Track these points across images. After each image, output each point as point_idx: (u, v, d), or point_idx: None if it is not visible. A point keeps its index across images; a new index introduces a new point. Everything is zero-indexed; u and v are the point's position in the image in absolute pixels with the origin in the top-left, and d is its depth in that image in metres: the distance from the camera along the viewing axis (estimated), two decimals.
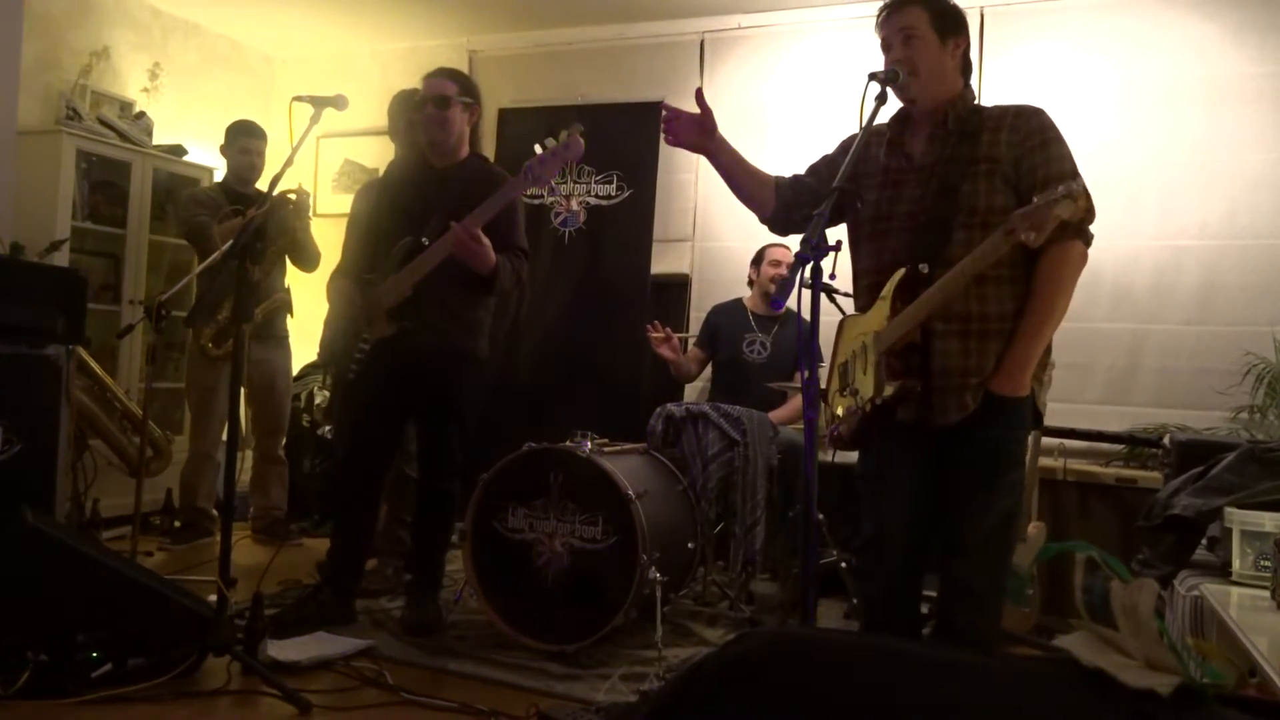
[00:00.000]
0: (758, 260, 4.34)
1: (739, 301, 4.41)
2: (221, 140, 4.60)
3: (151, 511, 4.66)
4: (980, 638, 2.20)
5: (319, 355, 3.57)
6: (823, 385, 2.48)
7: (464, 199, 3.18)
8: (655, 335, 4.22)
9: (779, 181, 2.53)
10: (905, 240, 2.25)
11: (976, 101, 2.35)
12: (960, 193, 2.20)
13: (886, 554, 2.36)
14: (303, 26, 5.63)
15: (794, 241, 4.24)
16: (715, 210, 4.97)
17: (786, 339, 4.18)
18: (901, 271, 2.22)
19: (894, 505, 2.33)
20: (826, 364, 2.56)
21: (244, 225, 2.86)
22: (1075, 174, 2.16)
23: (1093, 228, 2.19)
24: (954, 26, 2.31)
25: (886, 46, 2.31)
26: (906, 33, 2.27)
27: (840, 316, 2.50)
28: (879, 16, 2.34)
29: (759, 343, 4.25)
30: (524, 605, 3.14)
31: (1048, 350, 2.29)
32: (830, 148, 2.53)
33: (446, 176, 3.32)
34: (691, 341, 4.65)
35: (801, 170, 2.55)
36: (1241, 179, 4.09)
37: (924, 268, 2.20)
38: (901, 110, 2.37)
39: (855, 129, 2.26)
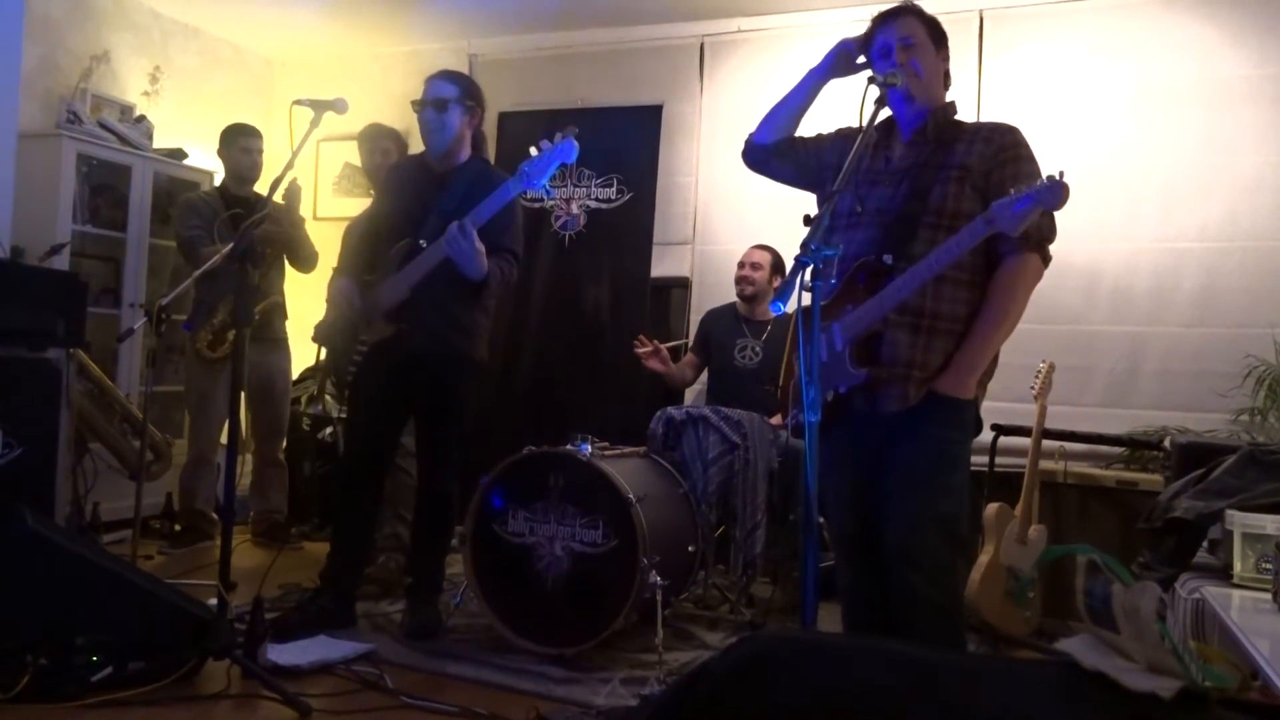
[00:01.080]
0: (741, 263, 4.33)
1: (731, 306, 4.37)
2: (218, 145, 4.61)
3: (151, 515, 4.66)
4: (945, 644, 2.24)
5: (314, 335, 3.53)
6: (782, 379, 2.54)
7: (464, 201, 3.18)
8: (643, 350, 4.18)
9: (794, 137, 2.62)
10: (873, 234, 2.35)
11: (956, 116, 2.45)
12: (930, 194, 2.31)
13: (854, 545, 2.43)
14: (303, 30, 5.64)
15: (779, 244, 4.29)
16: (715, 213, 4.97)
17: (777, 343, 4.16)
18: (864, 261, 2.32)
19: (853, 497, 2.40)
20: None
21: (241, 232, 2.86)
22: None
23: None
24: (943, 38, 2.45)
25: (884, 52, 2.39)
26: (907, 39, 2.37)
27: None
28: (874, 23, 2.44)
29: (750, 348, 4.22)
30: (524, 609, 3.14)
31: (994, 361, 2.37)
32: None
33: (446, 179, 3.32)
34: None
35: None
36: (1241, 181, 4.09)
37: (888, 258, 2.29)
38: (886, 119, 2.45)
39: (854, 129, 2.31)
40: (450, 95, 3.27)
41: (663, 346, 4.20)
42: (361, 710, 2.59)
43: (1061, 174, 2.01)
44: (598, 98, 5.17)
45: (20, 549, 2.60)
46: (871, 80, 2.27)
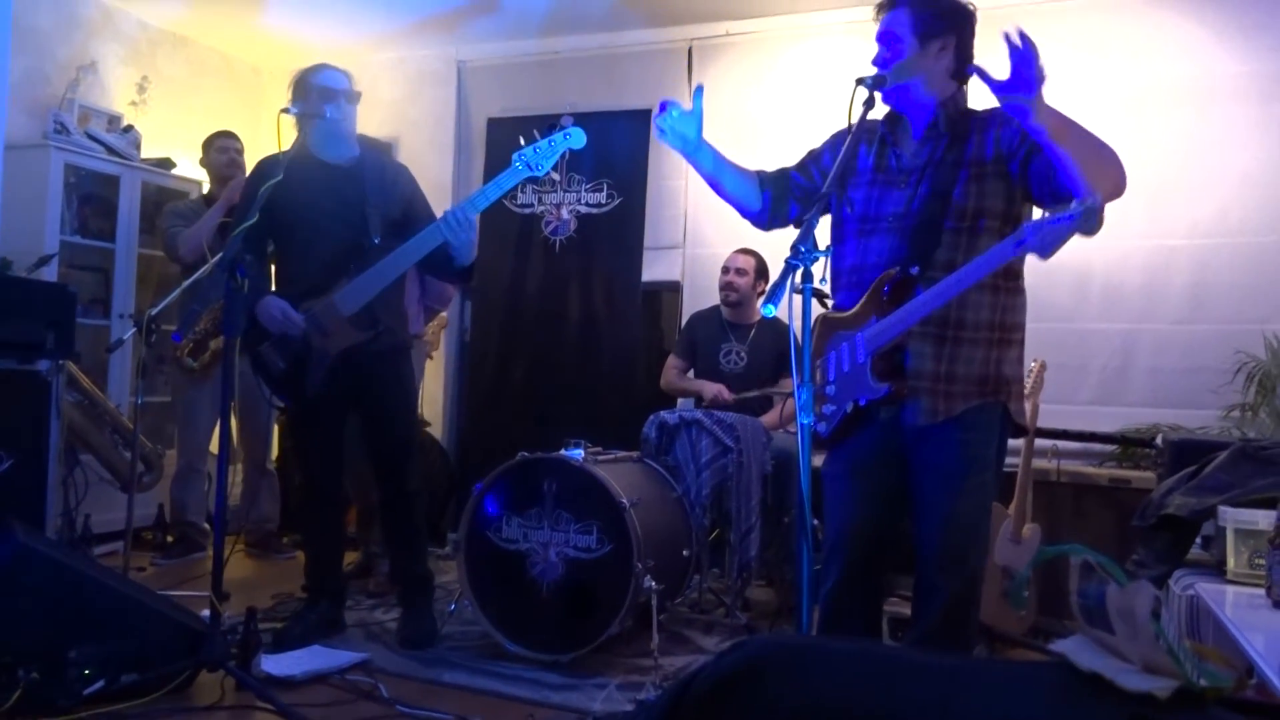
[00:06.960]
0: (725, 269, 4.30)
1: (716, 309, 4.33)
2: (201, 155, 4.62)
3: (143, 526, 4.64)
4: (962, 641, 2.25)
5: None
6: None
7: (386, 193, 3.15)
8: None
9: (763, 176, 2.52)
10: (893, 241, 2.25)
11: (969, 105, 2.34)
12: (951, 194, 2.20)
13: (849, 551, 2.34)
14: (291, 38, 5.63)
15: (769, 246, 4.23)
16: (705, 217, 4.98)
17: (762, 347, 4.14)
18: (890, 272, 2.23)
19: (860, 504, 2.33)
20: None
21: (229, 241, 2.84)
22: None
23: None
24: (938, 29, 2.28)
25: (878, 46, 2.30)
26: (888, 36, 2.26)
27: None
28: (875, 13, 2.34)
29: (735, 352, 4.19)
30: (519, 615, 3.13)
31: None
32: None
33: (353, 173, 3.18)
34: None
35: (788, 164, 2.54)
36: (1231, 177, 4.10)
37: (914, 269, 2.21)
38: (890, 114, 2.36)
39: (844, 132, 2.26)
40: (350, 85, 3.19)
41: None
42: None
43: (1097, 196, 1.94)
44: (586, 103, 5.16)
45: (11, 562, 2.58)
46: (859, 81, 2.19)
